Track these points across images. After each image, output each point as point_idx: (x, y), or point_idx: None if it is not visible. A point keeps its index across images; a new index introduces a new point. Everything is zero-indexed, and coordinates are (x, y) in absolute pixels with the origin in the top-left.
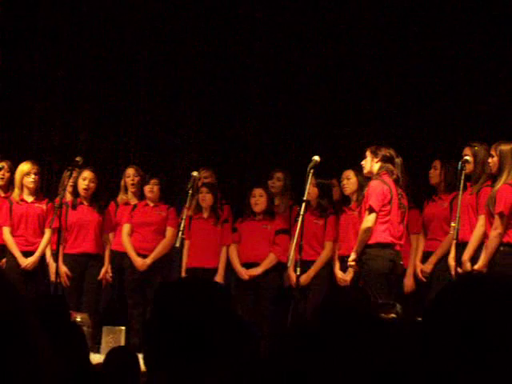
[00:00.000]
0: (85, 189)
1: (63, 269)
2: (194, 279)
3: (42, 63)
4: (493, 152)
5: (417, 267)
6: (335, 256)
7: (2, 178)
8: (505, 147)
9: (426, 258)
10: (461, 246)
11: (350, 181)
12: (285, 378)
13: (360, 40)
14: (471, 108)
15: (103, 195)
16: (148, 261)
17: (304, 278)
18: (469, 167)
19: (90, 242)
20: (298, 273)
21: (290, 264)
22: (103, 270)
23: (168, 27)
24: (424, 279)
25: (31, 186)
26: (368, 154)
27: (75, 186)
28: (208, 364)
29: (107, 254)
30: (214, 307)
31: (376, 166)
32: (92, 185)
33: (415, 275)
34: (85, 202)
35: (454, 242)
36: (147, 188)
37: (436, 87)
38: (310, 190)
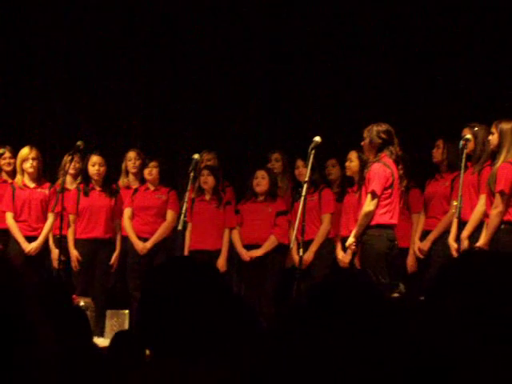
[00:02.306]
0: (97, 173)
1: (74, 253)
2: (184, 260)
3: (43, 46)
4: (493, 129)
5: (415, 245)
6: (337, 237)
7: (9, 164)
8: (505, 125)
9: (425, 236)
10: (462, 225)
11: (351, 163)
12: (287, 356)
13: (360, 19)
14: (475, 87)
15: (113, 180)
16: (148, 244)
17: (307, 255)
18: (469, 147)
19: (101, 228)
20: (301, 254)
21: (293, 245)
22: (115, 255)
23: (168, 11)
24: (422, 256)
25: (30, 171)
26: (365, 135)
27: (86, 172)
28: (209, 346)
29: (119, 239)
30: (206, 287)
31: (375, 148)
32: (102, 168)
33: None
34: (97, 188)
35: (456, 220)
36: (146, 171)
37: (440, 66)
38: (303, 171)
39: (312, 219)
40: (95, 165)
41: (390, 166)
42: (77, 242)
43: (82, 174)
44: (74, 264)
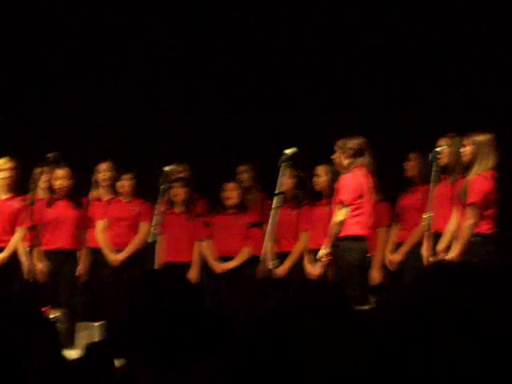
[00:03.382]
0: (59, 188)
1: (39, 265)
2: (158, 273)
3: (17, 55)
4: (466, 142)
5: (386, 257)
6: (306, 250)
7: None
8: (479, 138)
9: (398, 248)
10: (435, 237)
11: (319, 179)
12: (258, 365)
13: (335, 30)
14: (446, 100)
15: (80, 191)
16: (121, 256)
17: (281, 270)
18: (444, 159)
19: (66, 239)
20: (272, 266)
21: (265, 257)
22: (80, 267)
23: (143, 21)
24: (393, 269)
25: (4, 182)
26: (337, 148)
27: (51, 185)
28: (183, 356)
29: (84, 250)
30: (181, 299)
31: (346, 161)
32: (67, 182)
33: (385, 266)
34: (62, 199)
35: (427, 233)
36: (119, 183)
37: (412, 79)
38: (285, 182)
39: (288, 235)
40: (58, 179)
41: (360, 177)
42: (41, 253)
43: (47, 185)
44: (40, 276)
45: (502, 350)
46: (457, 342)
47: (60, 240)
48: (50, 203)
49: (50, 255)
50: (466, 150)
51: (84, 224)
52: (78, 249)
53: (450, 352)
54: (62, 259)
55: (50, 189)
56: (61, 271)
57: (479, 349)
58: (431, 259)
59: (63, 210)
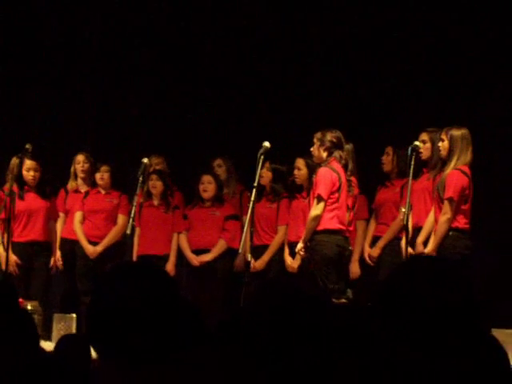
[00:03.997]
0: (32, 179)
1: (13, 257)
2: (134, 264)
3: None
4: (443, 136)
5: (365, 252)
6: (285, 241)
7: None
8: (455, 132)
9: (375, 242)
10: (415, 231)
11: (300, 172)
12: (234, 363)
13: (310, 25)
14: (424, 94)
15: (48, 182)
16: (99, 248)
17: (259, 263)
18: (425, 153)
19: (39, 230)
20: (249, 259)
21: (242, 250)
22: (53, 258)
23: (119, 14)
24: (372, 263)
25: None
26: (315, 140)
27: (20, 176)
28: (156, 349)
29: (56, 241)
30: (156, 291)
31: (324, 153)
32: (37, 174)
33: (363, 260)
34: (32, 190)
35: (405, 226)
36: (98, 175)
37: (391, 73)
38: (264, 175)
39: (267, 228)
40: (30, 170)
41: (338, 170)
42: (14, 245)
43: (16, 178)
44: (13, 268)
45: (478, 342)
46: (433, 335)
47: (32, 232)
48: (20, 196)
49: (23, 247)
50: (443, 145)
51: (54, 215)
52: (50, 240)
53: (427, 345)
54: (34, 251)
55: (17, 178)
56: (34, 263)
57: (455, 341)
58: (410, 251)
59: (34, 202)
